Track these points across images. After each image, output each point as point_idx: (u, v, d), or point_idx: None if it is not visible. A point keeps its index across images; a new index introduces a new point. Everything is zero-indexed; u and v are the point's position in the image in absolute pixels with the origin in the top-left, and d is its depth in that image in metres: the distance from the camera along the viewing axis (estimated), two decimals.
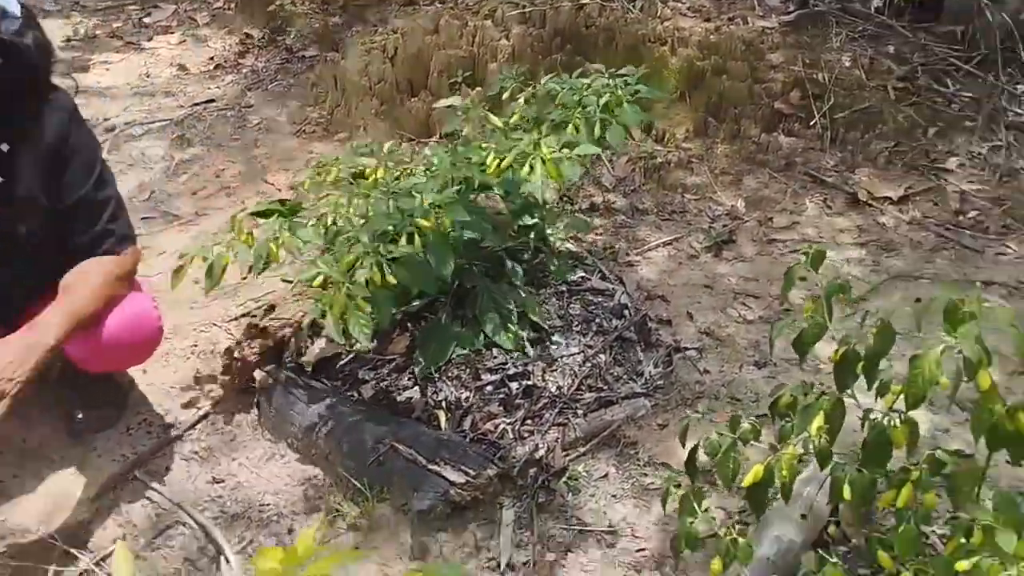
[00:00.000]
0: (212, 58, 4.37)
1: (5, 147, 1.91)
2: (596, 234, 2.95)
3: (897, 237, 3.03)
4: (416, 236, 2.12)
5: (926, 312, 1.34)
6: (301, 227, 2.19)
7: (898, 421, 1.45)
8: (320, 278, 2.05)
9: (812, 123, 3.46)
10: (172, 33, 4.65)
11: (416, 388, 2.31)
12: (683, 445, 1.64)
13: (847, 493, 1.45)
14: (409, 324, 2.44)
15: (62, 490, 2.16)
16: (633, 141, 3.29)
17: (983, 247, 2.97)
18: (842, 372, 1.51)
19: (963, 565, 1.22)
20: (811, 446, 1.49)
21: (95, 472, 2.21)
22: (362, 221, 2.17)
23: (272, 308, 2.52)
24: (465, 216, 2.15)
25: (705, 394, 2.36)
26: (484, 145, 2.38)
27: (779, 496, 1.54)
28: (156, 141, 3.69)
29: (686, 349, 2.51)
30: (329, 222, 2.22)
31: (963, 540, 1.31)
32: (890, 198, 3.18)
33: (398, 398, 2.29)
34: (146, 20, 4.80)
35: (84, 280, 1.95)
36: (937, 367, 1.28)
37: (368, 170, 2.40)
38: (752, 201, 3.17)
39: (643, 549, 2.00)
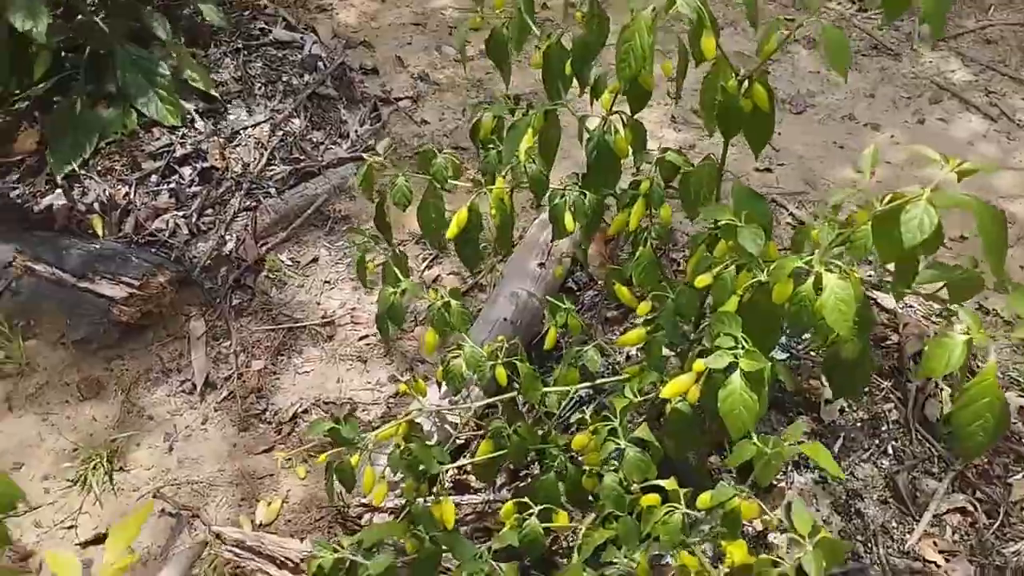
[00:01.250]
0: None
1: None
2: None
3: None
4: None
5: None
6: None
7: (621, 127, 1.15)
8: None
9: None
10: None
11: (59, 192, 1.80)
12: (375, 202, 1.28)
13: (568, 222, 1.15)
14: (36, 113, 1.89)
15: None
16: None
17: None
18: (549, 74, 1.17)
19: (704, 279, 0.96)
20: (522, 172, 1.17)
21: None
22: None
23: None
24: None
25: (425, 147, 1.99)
26: None
27: (496, 245, 1.23)
28: None
29: (398, 100, 2.11)
30: None
31: (705, 253, 1.04)
32: None
33: (35, 208, 1.78)
34: None
35: None
36: (648, 34, 0.95)
37: None
38: None
39: (367, 336, 1.68)
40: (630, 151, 1.15)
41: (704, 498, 0.93)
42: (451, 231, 1.20)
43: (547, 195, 1.18)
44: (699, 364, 0.90)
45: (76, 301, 1.62)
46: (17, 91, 1.89)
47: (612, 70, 1.00)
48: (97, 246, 1.68)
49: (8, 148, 1.85)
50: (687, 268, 1.10)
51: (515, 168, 1.18)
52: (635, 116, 1.12)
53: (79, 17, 1.83)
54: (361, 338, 1.68)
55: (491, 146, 1.25)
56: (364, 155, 1.94)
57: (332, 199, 1.89)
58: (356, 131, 2.01)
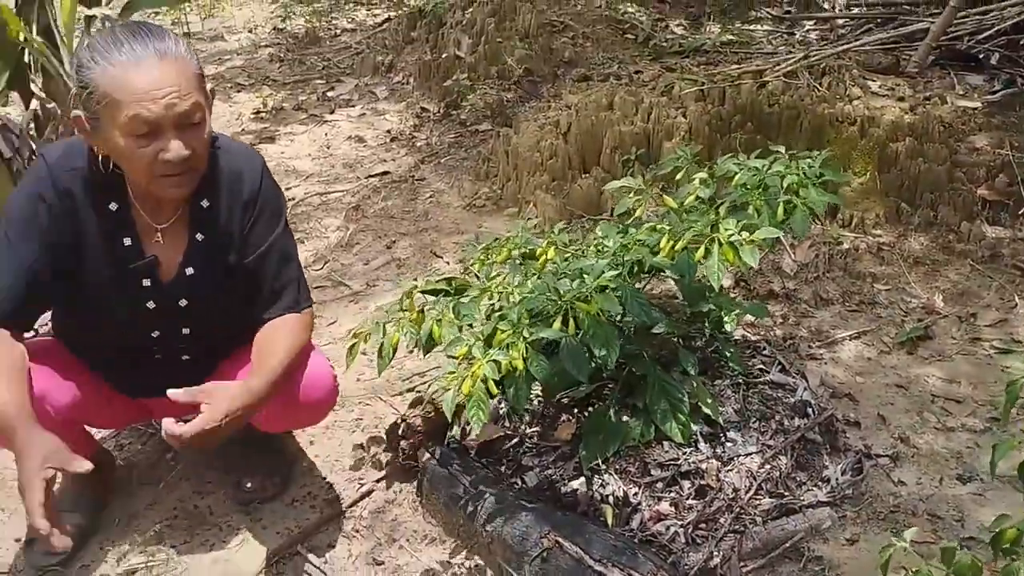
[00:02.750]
0: (389, 131, 4.50)
1: (205, 202, 1.98)
2: (775, 323, 2.79)
3: None
4: (572, 320, 2.04)
5: None
6: (466, 307, 2.17)
7: None
8: (463, 348, 2.01)
9: (1021, 211, 3.17)
10: (353, 107, 4.83)
11: (582, 479, 2.20)
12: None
13: None
14: (576, 409, 2.35)
15: (228, 561, 2.17)
16: (819, 225, 3.11)
17: None
18: None
19: None
20: None
21: (260, 544, 2.21)
22: (519, 299, 2.12)
23: (435, 384, 2.50)
24: (617, 307, 2.05)
25: (900, 509, 2.14)
26: (658, 227, 2.29)
27: None
28: (332, 212, 3.80)
29: (878, 456, 2.30)
30: (492, 301, 2.19)
31: None
32: None
33: (563, 489, 2.19)
34: (329, 94, 5.01)
35: (284, 340, 1.98)
36: None
37: (539, 250, 2.35)
38: (951, 295, 2.92)
39: None
40: None
41: None
42: None
43: None
44: None
45: None
46: (564, 389, 2.38)
47: None
48: (611, 536, 2.02)
49: (550, 433, 2.31)
50: None
51: None
52: None
53: (626, 346, 2.29)
54: None
55: (1013, 556, 1.38)
56: (840, 504, 2.15)
57: (808, 538, 2.09)
58: (836, 479, 2.21)
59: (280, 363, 1.93)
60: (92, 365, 2.14)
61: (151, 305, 2.03)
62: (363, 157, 4.26)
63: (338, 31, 6.13)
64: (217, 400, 1.84)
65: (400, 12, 5.96)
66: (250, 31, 6.34)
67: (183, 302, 2.05)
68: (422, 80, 4.85)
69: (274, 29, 6.31)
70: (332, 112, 4.79)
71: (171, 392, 1.83)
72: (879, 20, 4.68)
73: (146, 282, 2.01)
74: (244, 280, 2.04)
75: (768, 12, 5.31)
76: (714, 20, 5.20)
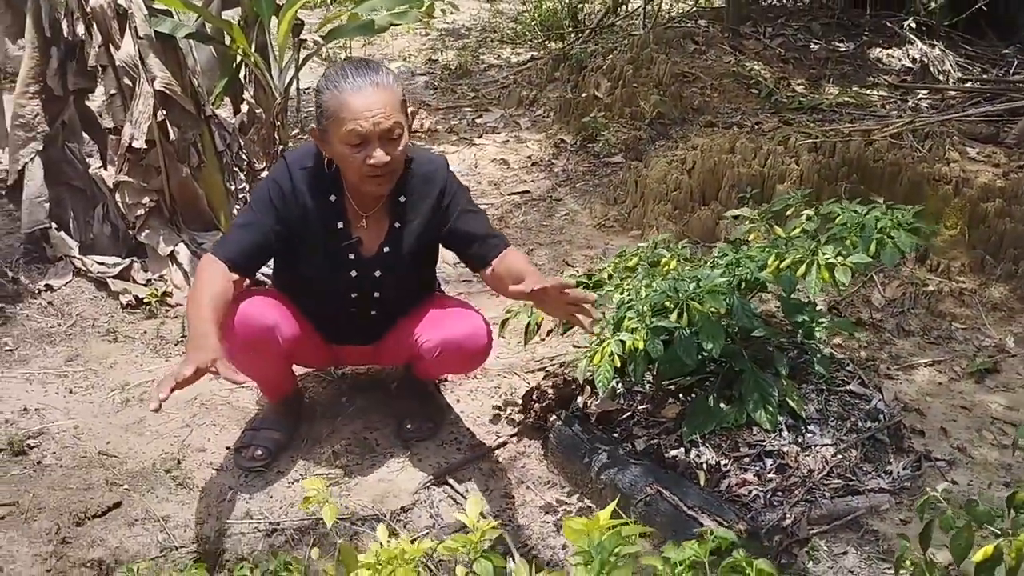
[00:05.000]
0: (530, 157, 5.08)
1: (402, 198, 2.57)
2: (860, 345, 3.20)
3: None
4: (685, 314, 2.52)
5: None
6: (601, 298, 2.68)
7: None
8: (598, 329, 2.53)
9: None
10: (498, 133, 5.44)
11: (681, 449, 2.67)
12: (920, 519, 1.89)
13: None
14: (681, 395, 2.82)
15: (390, 482, 2.72)
16: (907, 267, 3.52)
17: None
18: None
19: None
20: None
21: (415, 472, 2.75)
22: (644, 295, 2.62)
23: (565, 364, 3.02)
24: (723, 305, 2.51)
25: (950, 502, 2.53)
26: (766, 249, 2.76)
27: None
28: None
29: (936, 459, 2.70)
30: (622, 295, 2.69)
31: None
32: None
33: (666, 455, 2.67)
34: (478, 120, 5.64)
35: (519, 259, 2.52)
36: None
37: (664, 260, 2.85)
38: (1023, 339, 3.28)
39: None
40: None
41: None
42: (976, 556, 1.76)
43: None
44: None
45: (681, 522, 2.42)
46: (670, 377, 2.86)
47: None
48: (703, 492, 2.49)
49: (659, 412, 2.79)
50: None
51: None
52: None
53: (729, 344, 2.77)
54: None
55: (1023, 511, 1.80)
56: (898, 492, 2.56)
57: (866, 515, 2.51)
58: (898, 472, 2.63)
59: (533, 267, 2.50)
60: (304, 313, 2.75)
61: (353, 273, 2.63)
62: (506, 177, 4.84)
63: (485, 66, 6.79)
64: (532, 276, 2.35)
65: (544, 53, 6.59)
66: (405, 59, 7.06)
67: (377, 273, 2.63)
68: (562, 115, 5.42)
69: (428, 60, 7.01)
70: (480, 136, 5.40)
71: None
72: (988, 95, 5.04)
73: (351, 256, 2.60)
74: (452, 245, 2.63)
75: (886, 79, 5.70)
76: (833, 82, 5.63)
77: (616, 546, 1.53)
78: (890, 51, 6.08)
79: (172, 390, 2.06)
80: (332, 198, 2.56)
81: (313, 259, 2.61)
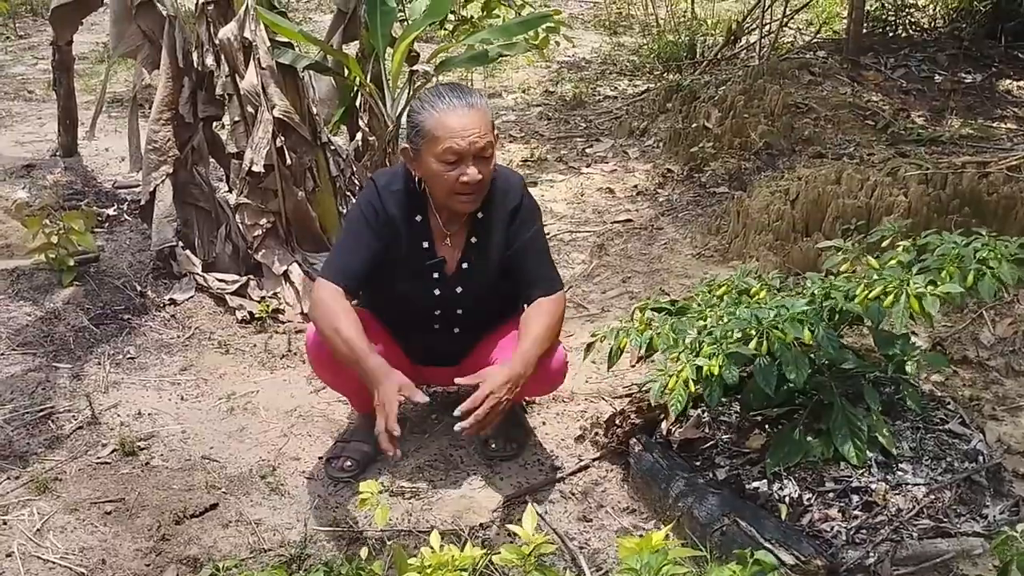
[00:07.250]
0: (636, 186, 5.10)
1: (480, 215, 2.65)
2: (964, 384, 3.07)
3: None
4: (765, 342, 2.48)
5: None
6: (681, 323, 2.68)
7: None
8: (673, 355, 2.52)
9: None
10: (607, 163, 5.49)
11: (764, 481, 2.63)
12: (1000, 559, 1.81)
13: None
14: (767, 426, 2.78)
15: (471, 498, 2.78)
16: (1020, 305, 3.35)
17: None
18: None
19: None
20: None
21: (496, 490, 2.80)
22: (725, 321, 2.60)
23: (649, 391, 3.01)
24: (804, 333, 2.46)
25: None
26: (858, 279, 2.69)
27: None
28: (579, 248, 4.43)
29: None
30: (704, 322, 2.68)
31: None
32: None
33: (747, 485, 2.63)
34: (587, 150, 5.71)
35: (543, 316, 2.61)
36: None
37: (753, 289, 2.83)
38: None
39: None
40: None
41: None
42: None
43: None
44: None
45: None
46: (755, 407, 2.81)
47: None
48: (782, 526, 2.44)
49: (743, 442, 2.76)
50: None
51: None
52: None
53: (817, 376, 2.71)
54: None
55: None
56: (993, 537, 2.44)
57: (958, 559, 2.40)
58: (994, 516, 2.50)
59: (541, 332, 2.56)
60: (392, 333, 2.85)
61: (437, 292, 2.72)
62: (611, 206, 4.88)
63: (601, 97, 6.86)
64: (492, 375, 2.48)
65: (659, 84, 6.60)
66: (524, 91, 7.21)
67: (459, 289, 2.72)
68: (671, 144, 5.43)
69: (545, 91, 7.14)
70: (588, 166, 5.47)
71: (457, 380, 2.50)
72: None
73: (435, 275, 2.70)
74: (507, 272, 2.68)
75: (1015, 111, 5.46)
76: (957, 114, 5.43)
77: (662, 565, 1.54)
78: (1021, 83, 5.81)
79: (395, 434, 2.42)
80: (418, 218, 2.66)
81: (402, 279, 2.72)
